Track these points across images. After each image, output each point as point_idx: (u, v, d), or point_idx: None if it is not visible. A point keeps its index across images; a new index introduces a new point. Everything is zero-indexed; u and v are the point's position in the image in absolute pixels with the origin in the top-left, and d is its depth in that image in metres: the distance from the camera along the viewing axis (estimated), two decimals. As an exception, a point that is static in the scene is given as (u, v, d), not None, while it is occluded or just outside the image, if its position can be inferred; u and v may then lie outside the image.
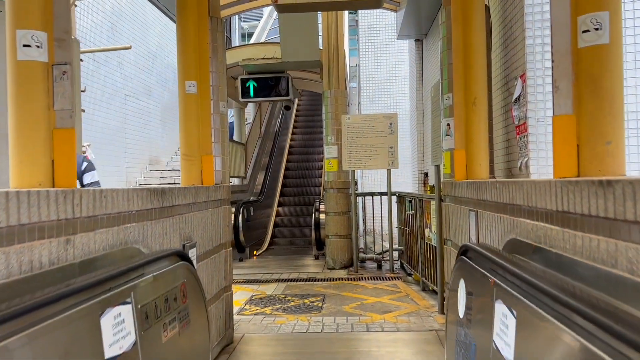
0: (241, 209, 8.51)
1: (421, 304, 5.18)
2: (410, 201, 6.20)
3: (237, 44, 20.36)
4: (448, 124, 3.85)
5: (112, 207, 2.06)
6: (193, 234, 3.22)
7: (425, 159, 8.40)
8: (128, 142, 11.75)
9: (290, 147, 13.56)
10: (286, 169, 12.64)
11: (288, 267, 7.68)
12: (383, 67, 10.24)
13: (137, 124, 11.50)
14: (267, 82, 7.78)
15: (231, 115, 11.15)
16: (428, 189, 6.30)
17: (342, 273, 6.92)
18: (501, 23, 4.11)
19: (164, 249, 2.63)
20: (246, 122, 11.60)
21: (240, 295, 5.80)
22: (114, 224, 2.07)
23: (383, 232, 9.29)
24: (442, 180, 4.38)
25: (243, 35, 25.27)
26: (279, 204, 11.48)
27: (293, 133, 14.15)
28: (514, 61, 3.77)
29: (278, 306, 5.23)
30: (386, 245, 8.40)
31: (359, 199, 7.82)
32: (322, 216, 8.30)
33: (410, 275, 6.52)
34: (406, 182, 9.48)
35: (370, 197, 7.50)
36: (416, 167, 8.51)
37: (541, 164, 3.50)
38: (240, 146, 9.97)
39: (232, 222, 8.38)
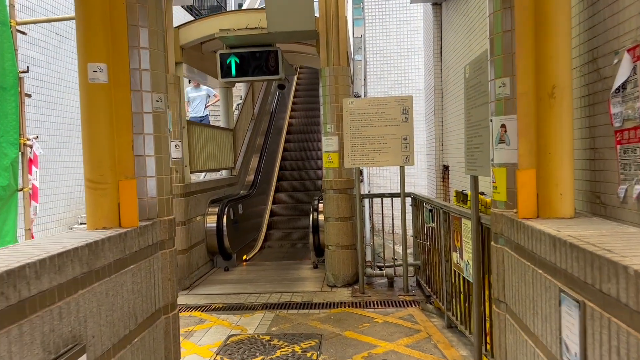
0: (226, 209, 7.21)
1: (449, 356, 3.89)
2: (430, 210, 4.85)
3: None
4: (503, 125, 2.48)
5: None
6: (86, 327, 1.91)
7: (446, 149, 7.03)
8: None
9: (288, 132, 12.15)
10: (283, 159, 11.27)
11: (281, 281, 6.40)
12: (393, 38, 8.75)
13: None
14: (252, 58, 6.36)
15: (207, 97, 9.75)
16: (455, 197, 4.94)
17: (345, 294, 5.63)
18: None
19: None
20: (236, 105, 10.20)
21: (214, 334, 4.54)
22: None
23: (394, 232, 7.97)
24: (489, 203, 3.02)
25: (240, 6, 23.43)
26: (274, 201, 10.15)
27: (291, 117, 12.71)
28: (612, 25, 2.36)
29: (259, 359, 3.95)
30: (398, 250, 7.09)
31: (365, 201, 6.46)
32: (322, 217, 6.98)
33: (429, 298, 5.22)
34: (419, 173, 8.13)
35: (379, 200, 6.13)
36: (433, 158, 7.17)
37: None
38: (228, 133, 8.60)
39: (216, 224, 7.11)
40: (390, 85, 8.56)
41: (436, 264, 4.89)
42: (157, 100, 2.72)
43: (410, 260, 5.84)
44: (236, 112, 9.73)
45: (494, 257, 2.65)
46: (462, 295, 4.09)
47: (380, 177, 8.97)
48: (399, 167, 5.56)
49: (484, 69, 2.87)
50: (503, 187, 2.49)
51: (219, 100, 8.59)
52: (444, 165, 7.10)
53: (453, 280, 4.29)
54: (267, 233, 9.35)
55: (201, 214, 6.96)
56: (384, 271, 5.84)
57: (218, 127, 8.27)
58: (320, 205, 7.08)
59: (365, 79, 9.06)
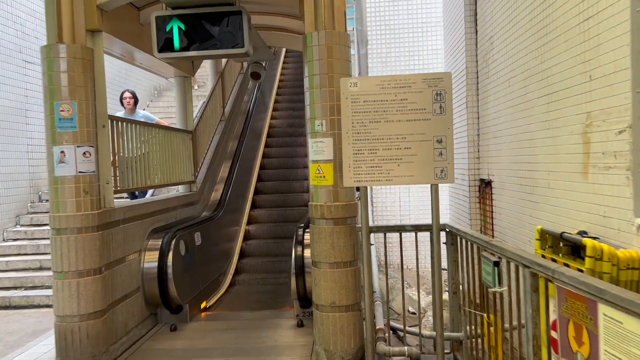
0: (173, 242, 5.09)
1: None
2: (496, 264, 2.78)
3: None
4: None
5: None
6: None
7: (486, 156, 5.00)
8: (32, 128, 8.28)
9: (269, 135, 10.06)
10: (262, 167, 9.19)
11: (247, 352, 4.32)
12: (402, 10, 6.69)
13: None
14: (203, 23, 4.30)
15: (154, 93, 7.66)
16: (538, 241, 2.88)
17: (346, 386, 3.56)
18: None
19: None
20: (202, 104, 8.10)
21: None
22: None
23: (419, 275, 5.92)
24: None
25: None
26: (250, 221, 8.04)
27: (273, 118, 10.63)
28: None
29: None
30: (425, 299, 5.04)
31: (375, 237, 4.37)
32: (307, 253, 4.94)
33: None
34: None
35: (396, 235, 4.02)
36: (463, 168, 5.14)
37: None
38: (185, 136, 6.51)
39: (157, 264, 5.01)
40: (399, 71, 6.52)
41: (498, 349, 2.84)
42: None
43: (447, 331, 3.77)
44: (198, 109, 7.66)
45: None
46: None
47: (383, 197, 6.91)
48: (430, 186, 3.50)
49: None
50: None
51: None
52: (481, 180, 5.07)
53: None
54: (240, 263, 7.25)
55: (136, 251, 4.85)
56: (406, 348, 3.75)
57: (169, 128, 6.16)
58: (307, 237, 5.02)
59: (366, 66, 7.00)
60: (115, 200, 4.52)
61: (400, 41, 6.83)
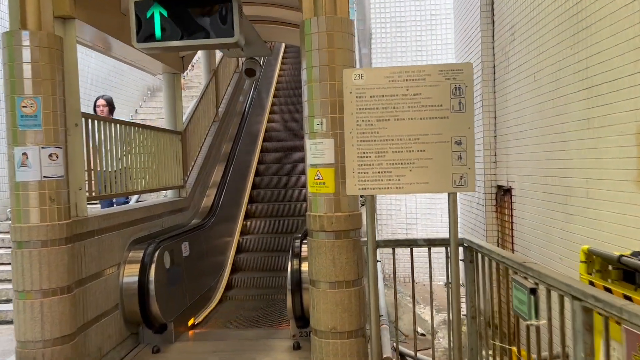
0: (157, 254, 4.60)
1: None
2: (533, 291, 2.28)
3: None
4: None
5: None
6: None
7: (502, 160, 4.51)
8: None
9: (265, 139, 9.57)
10: (258, 173, 8.70)
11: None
12: (409, 2, 6.22)
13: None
14: (187, 10, 3.82)
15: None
16: (585, 264, 2.39)
17: None
18: None
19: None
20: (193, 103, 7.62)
21: None
22: None
23: (432, 293, 5.42)
24: None
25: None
26: (244, 231, 7.54)
27: (270, 121, 10.15)
28: None
29: None
30: (436, 317, 4.56)
31: (383, 252, 3.87)
32: (305, 267, 4.45)
33: None
34: (439, 198, 5.57)
35: (407, 250, 3.51)
36: (481, 173, 4.66)
37: None
38: (173, 137, 6.03)
39: (138, 278, 4.52)
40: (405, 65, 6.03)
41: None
42: None
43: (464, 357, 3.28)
44: (188, 109, 7.20)
45: None
46: None
47: (387, 204, 6.42)
48: (447, 195, 3.01)
49: None
50: None
51: None
52: (499, 187, 4.58)
53: None
54: (232, 277, 6.75)
55: (114, 264, 4.36)
56: (418, 382, 3.25)
57: (155, 128, 5.68)
58: (305, 248, 4.54)
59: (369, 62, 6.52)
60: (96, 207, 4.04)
61: (407, 35, 6.35)
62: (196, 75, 12.81)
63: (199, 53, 8.53)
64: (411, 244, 3.43)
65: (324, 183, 3.34)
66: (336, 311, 3.32)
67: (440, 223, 6.39)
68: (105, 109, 6.26)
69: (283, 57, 11.89)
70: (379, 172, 3.00)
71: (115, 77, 10.88)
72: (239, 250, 7.23)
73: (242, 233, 7.50)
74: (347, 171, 3.02)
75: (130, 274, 4.49)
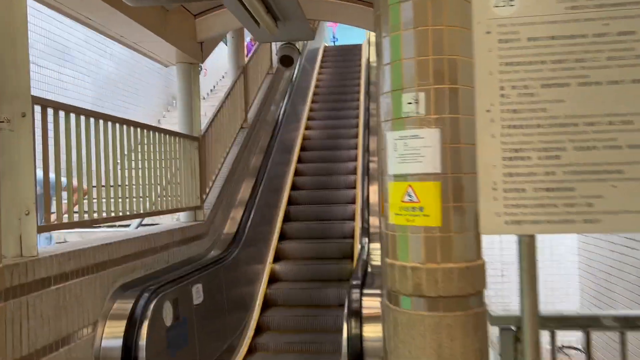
0: (152, 306, 3.17)
1: None
2: None
3: None
4: None
5: None
6: None
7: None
8: None
9: (303, 149, 8.16)
10: (294, 187, 7.27)
11: None
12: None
13: None
14: None
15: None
16: None
17: None
18: None
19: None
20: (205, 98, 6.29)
21: None
22: None
23: None
24: None
25: None
26: (277, 257, 6.09)
27: (308, 128, 8.74)
28: None
29: None
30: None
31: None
32: (370, 333, 2.95)
33: None
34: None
35: (574, 334, 1.99)
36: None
37: None
38: (189, 143, 4.67)
39: (123, 342, 3.11)
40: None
41: None
42: None
43: None
44: (206, 112, 5.88)
45: None
46: None
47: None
48: None
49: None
50: None
51: None
52: None
53: None
54: (262, 318, 5.28)
55: (87, 325, 2.96)
56: None
57: (165, 131, 4.30)
58: (368, 303, 3.05)
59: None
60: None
61: None
62: (226, 85, 11.61)
63: (227, 48, 7.22)
64: (589, 324, 1.87)
65: (421, 208, 1.86)
66: None
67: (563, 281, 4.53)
68: None
69: (324, 55, 10.56)
70: (546, 190, 1.49)
71: (133, 80, 9.70)
72: (272, 279, 5.79)
73: (276, 258, 6.07)
74: (482, 188, 1.52)
75: (111, 336, 3.08)
